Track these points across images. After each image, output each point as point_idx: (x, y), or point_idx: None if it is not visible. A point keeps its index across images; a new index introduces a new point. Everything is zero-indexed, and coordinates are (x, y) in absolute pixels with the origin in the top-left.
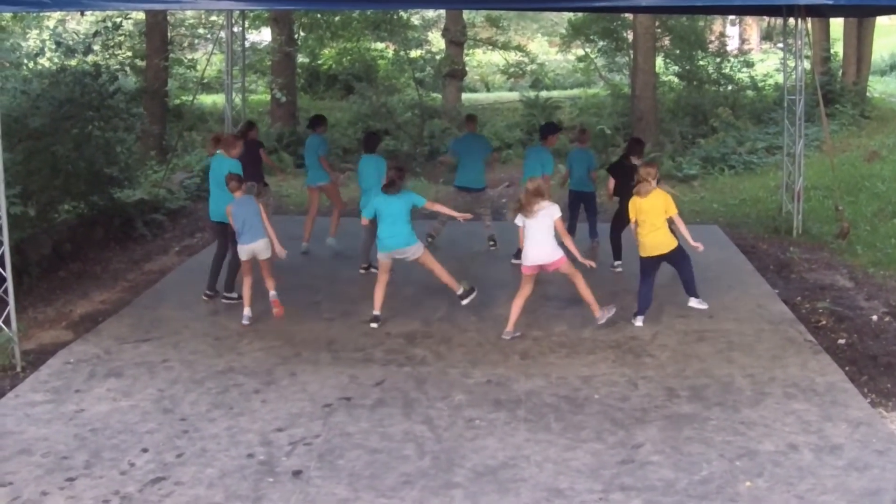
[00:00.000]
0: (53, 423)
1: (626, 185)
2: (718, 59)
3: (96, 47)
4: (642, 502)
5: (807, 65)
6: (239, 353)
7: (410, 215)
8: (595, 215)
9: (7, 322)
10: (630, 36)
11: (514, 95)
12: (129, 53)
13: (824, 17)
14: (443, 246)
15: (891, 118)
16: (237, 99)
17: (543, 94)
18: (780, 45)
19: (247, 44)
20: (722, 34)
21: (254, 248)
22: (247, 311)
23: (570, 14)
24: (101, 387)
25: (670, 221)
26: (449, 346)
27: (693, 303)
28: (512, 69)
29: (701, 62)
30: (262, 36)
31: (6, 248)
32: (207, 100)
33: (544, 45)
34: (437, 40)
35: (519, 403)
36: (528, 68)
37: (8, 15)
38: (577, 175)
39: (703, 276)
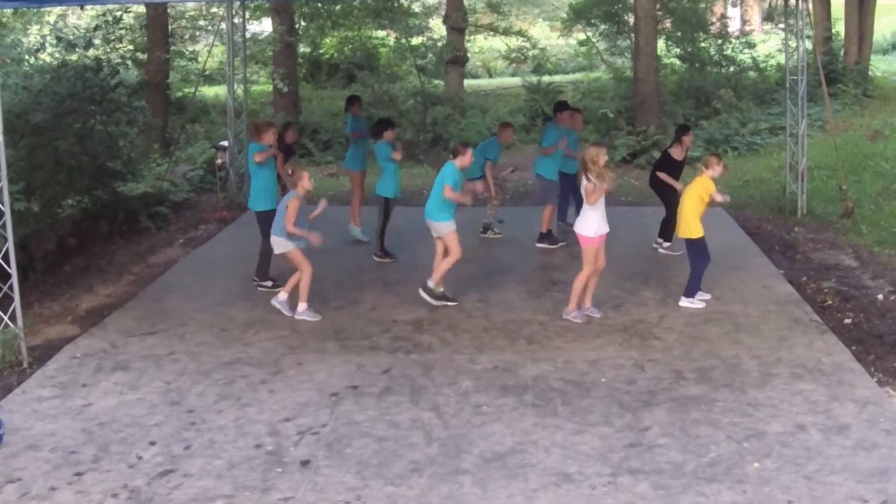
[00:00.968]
0: (61, 418)
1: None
2: (720, 41)
3: (97, 41)
4: (651, 485)
5: (808, 45)
6: (245, 344)
7: (443, 191)
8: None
9: (13, 318)
10: (631, 19)
11: (517, 81)
12: (131, 47)
13: None
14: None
15: (893, 97)
16: (239, 90)
17: (546, 78)
18: (782, 25)
19: (248, 34)
20: (723, 16)
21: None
22: (281, 295)
23: None
24: (107, 381)
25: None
26: (455, 333)
27: (684, 301)
28: (514, 54)
29: (703, 44)
30: (263, 26)
31: (10, 244)
32: (209, 92)
33: (546, 29)
34: (438, 27)
35: (526, 388)
36: (530, 53)
37: (8, 11)
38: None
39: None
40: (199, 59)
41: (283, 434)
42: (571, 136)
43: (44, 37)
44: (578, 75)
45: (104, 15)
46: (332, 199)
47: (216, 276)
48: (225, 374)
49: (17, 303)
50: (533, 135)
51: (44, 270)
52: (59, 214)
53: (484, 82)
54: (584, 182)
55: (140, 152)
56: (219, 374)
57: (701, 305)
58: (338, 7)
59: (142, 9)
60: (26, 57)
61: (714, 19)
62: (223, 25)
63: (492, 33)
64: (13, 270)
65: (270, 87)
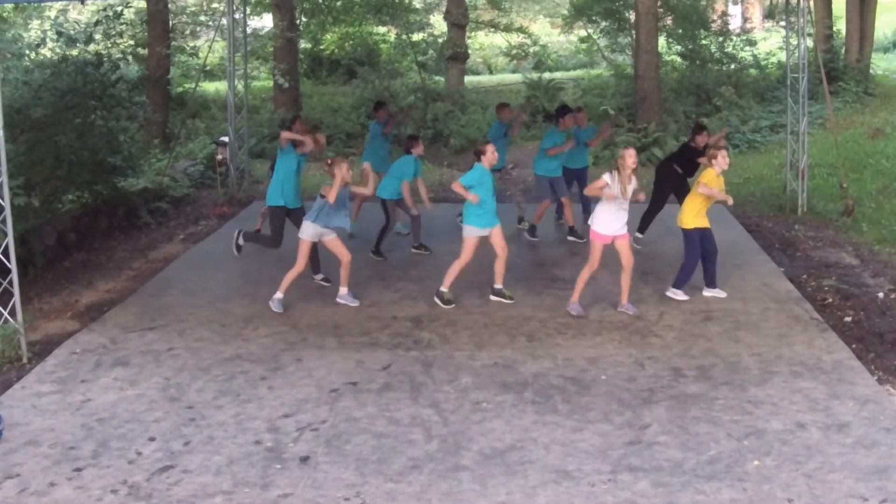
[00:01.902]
0: (60, 414)
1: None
2: (721, 38)
3: (98, 36)
4: (650, 483)
5: (809, 42)
6: (245, 340)
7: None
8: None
9: (12, 313)
10: (632, 16)
11: (517, 77)
12: (131, 42)
13: None
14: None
15: (894, 95)
16: (240, 86)
17: (546, 75)
18: (783, 23)
19: (248, 30)
20: (724, 13)
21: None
22: (341, 290)
23: None
24: (107, 376)
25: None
26: (455, 329)
27: (669, 292)
28: (514, 51)
29: (704, 41)
30: (264, 22)
31: (10, 239)
32: (210, 87)
33: (546, 26)
34: (438, 23)
35: (526, 385)
36: (531, 50)
37: (9, 6)
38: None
39: None
40: (200, 54)
41: (283, 430)
42: (586, 132)
43: (44, 32)
44: (579, 72)
45: (105, 10)
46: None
47: (216, 272)
48: (224, 369)
49: (16, 298)
50: (534, 132)
51: (43, 266)
52: (59, 210)
53: (484, 79)
54: (604, 176)
55: (140, 148)
56: (218, 369)
57: (684, 298)
58: (338, 3)
59: (142, 4)
60: (27, 52)
61: (715, 16)
62: (224, 21)
63: (492, 30)
64: (13, 265)
65: (271, 83)
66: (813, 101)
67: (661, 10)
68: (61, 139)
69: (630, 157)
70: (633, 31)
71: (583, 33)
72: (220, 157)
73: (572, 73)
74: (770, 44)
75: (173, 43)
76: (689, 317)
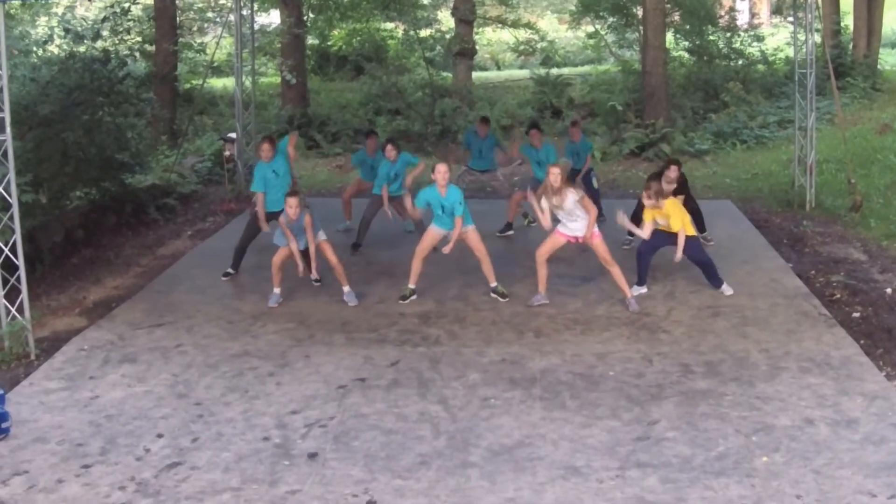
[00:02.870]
0: (68, 411)
1: None
2: (729, 34)
3: (105, 33)
4: (659, 479)
5: (817, 38)
6: (253, 336)
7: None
8: None
9: (20, 310)
10: (640, 12)
11: (525, 73)
12: (139, 39)
13: None
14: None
15: None
16: (247, 82)
17: (554, 71)
18: (791, 18)
19: (256, 26)
20: (732, 8)
21: None
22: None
23: None
24: (115, 373)
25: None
26: (463, 326)
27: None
28: (522, 47)
29: (711, 37)
30: (272, 18)
31: (18, 236)
32: (218, 83)
33: (554, 22)
34: (446, 19)
35: (534, 382)
36: (539, 46)
37: (17, 2)
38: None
39: (717, 252)
40: (208, 50)
41: (291, 427)
42: (583, 144)
43: (52, 28)
44: (587, 68)
45: (112, 6)
46: (339, 192)
47: (224, 269)
48: (232, 366)
49: (24, 295)
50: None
51: (51, 262)
52: (67, 206)
53: (492, 75)
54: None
55: (148, 144)
56: (226, 366)
57: (731, 291)
58: None
59: (150, 0)
60: (34, 49)
61: (722, 12)
62: (231, 17)
63: (500, 26)
64: (21, 262)
65: (278, 79)
66: (821, 97)
67: (669, 5)
68: (69, 136)
69: (552, 176)
70: (641, 27)
71: (590, 29)
72: (227, 153)
73: (580, 69)
74: (778, 39)
75: (181, 39)
76: (697, 312)
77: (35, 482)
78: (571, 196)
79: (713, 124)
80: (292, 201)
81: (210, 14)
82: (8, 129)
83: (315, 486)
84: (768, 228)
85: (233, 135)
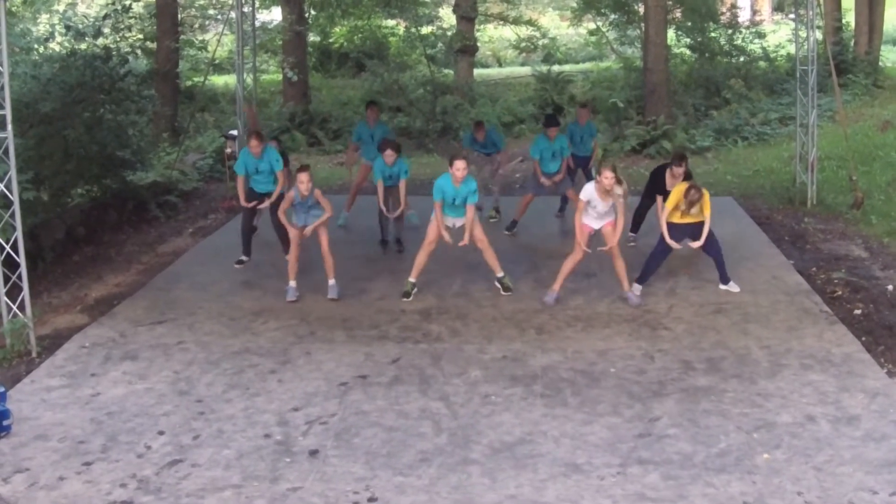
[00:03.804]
0: (69, 408)
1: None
2: (730, 31)
3: (106, 30)
4: (660, 476)
5: (819, 35)
6: (254, 334)
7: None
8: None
9: (22, 307)
10: (641, 9)
11: (526, 70)
12: (140, 36)
13: None
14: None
15: None
16: (248, 79)
17: (555, 68)
18: (792, 15)
19: (257, 23)
20: (733, 5)
21: None
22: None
23: None
24: (116, 370)
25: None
26: (464, 322)
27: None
28: (523, 44)
29: (713, 34)
30: (273, 15)
31: (19, 233)
32: (219, 80)
33: (556, 19)
34: (447, 16)
35: (535, 378)
36: (540, 43)
37: (18, 0)
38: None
39: None
40: (209, 48)
41: (292, 424)
42: (588, 128)
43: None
44: (588, 65)
45: (113, 4)
46: (341, 189)
47: (225, 266)
48: (234, 363)
49: (25, 292)
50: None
51: (53, 260)
52: (69, 203)
53: (493, 72)
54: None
55: (149, 141)
56: (227, 363)
57: (737, 289)
58: None
59: None
60: (35, 46)
61: (724, 9)
62: (233, 14)
63: (502, 23)
64: (22, 259)
65: (280, 76)
66: (822, 94)
67: (670, 2)
68: (70, 133)
69: (607, 180)
70: (643, 24)
71: (592, 26)
72: (229, 150)
73: (581, 66)
74: (779, 36)
75: (182, 37)
76: (698, 309)
77: (36, 479)
78: (618, 190)
79: (714, 121)
80: (303, 176)
81: (211, 11)
82: (9, 127)
83: (316, 483)
84: (770, 225)
85: (234, 132)
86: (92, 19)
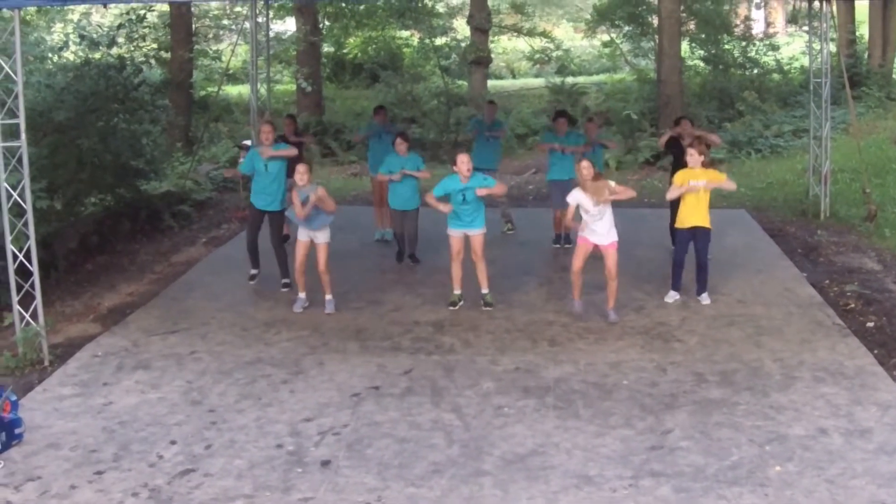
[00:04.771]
0: (82, 417)
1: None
2: (744, 43)
3: (121, 40)
4: (672, 488)
5: (832, 48)
6: (267, 344)
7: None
8: None
9: (34, 316)
10: (655, 21)
11: (540, 82)
12: (154, 45)
13: None
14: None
15: None
16: (262, 89)
17: (569, 80)
18: (806, 28)
19: (271, 34)
20: (747, 17)
21: None
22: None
23: None
24: (129, 379)
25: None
26: (477, 334)
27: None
28: (537, 55)
29: (726, 46)
30: (287, 26)
31: (32, 242)
32: (233, 91)
33: (569, 30)
34: (462, 27)
35: (548, 390)
36: (554, 54)
37: (32, 9)
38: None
39: (731, 261)
40: (223, 58)
41: (304, 434)
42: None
43: (67, 35)
44: (602, 77)
45: (128, 13)
46: (355, 200)
47: (238, 276)
48: (246, 373)
49: (38, 301)
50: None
51: (66, 268)
52: (82, 213)
53: (507, 83)
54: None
55: (163, 151)
56: (240, 373)
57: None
58: (361, 7)
59: (165, 7)
60: (49, 55)
61: (738, 21)
62: (247, 24)
63: (516, 34)
64: (35, 268)
65: (294, 87)
66: (836, 106)
67: (684, 14)
68: (84, 142)
69: (585, 170)
70: (656, 36)
71: (606, 38)
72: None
73: (595, 78)
74: (793, 48)
75: (196, 46)
76: (711, 322)
77: (48, 488)
78: (609, 186)
79: (728, 133)
80: (302, 168)
81: (226, 21)
82: (23, 136)
83: (328, 494)
84: (783, 237)
85: (248, 142)
86: (106, 29)
